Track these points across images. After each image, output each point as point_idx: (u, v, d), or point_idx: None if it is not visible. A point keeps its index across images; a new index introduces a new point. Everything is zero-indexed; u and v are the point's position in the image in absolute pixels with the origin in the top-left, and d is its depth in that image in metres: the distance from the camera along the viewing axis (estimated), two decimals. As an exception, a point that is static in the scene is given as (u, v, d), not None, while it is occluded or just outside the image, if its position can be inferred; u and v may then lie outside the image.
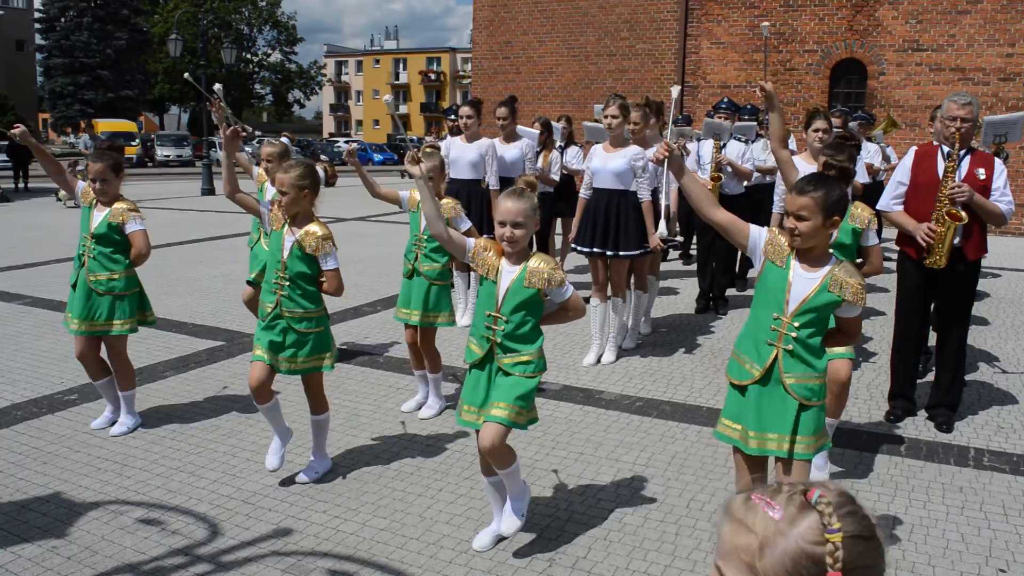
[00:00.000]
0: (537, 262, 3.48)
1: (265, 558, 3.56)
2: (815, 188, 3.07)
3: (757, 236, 3.22)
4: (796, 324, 3.11)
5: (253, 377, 4.18)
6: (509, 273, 3.49)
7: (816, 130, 5.49)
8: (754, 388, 3.20)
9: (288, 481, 4.31)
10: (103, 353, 5.02)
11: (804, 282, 3.11)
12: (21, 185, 22.49)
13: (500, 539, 3.71)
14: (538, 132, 8.70)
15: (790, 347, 3.13)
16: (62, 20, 50.57)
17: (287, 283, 4.17)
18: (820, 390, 3.18)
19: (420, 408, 5.38)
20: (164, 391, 5.69)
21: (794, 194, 3.10)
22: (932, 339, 5.80)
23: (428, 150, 5.57)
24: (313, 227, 4.18)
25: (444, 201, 5.23)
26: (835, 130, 5.93)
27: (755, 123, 9.46)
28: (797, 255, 3.15)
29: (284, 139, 6.05)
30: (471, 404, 3.55)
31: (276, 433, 4.35)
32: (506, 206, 3.43)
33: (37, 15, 54.54)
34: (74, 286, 4.91)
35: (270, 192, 5.95)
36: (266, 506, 4.05)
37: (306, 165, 4.24)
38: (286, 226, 4.21)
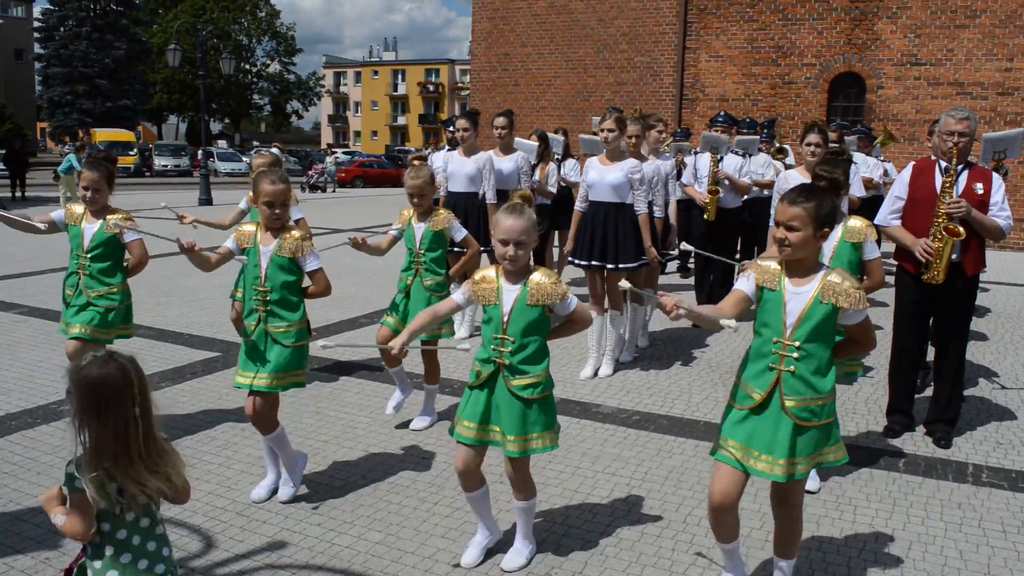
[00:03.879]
0: (539, 277, 3.42)
1: (259, 571, 3.54)
2: (806, 199, 3.02)
3: (747, 282, 3.16)
4: (796, 343, 3.03)
5: (249, 406, 4.08)
6: (510, 292, 3.42)
7: (808, 144, 5.51)
8: (752, 412, 3.11)
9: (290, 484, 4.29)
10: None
11: (798, 298, 3.04)
12: (19, 194, 22.47)
13: (488, 550, 3.69)
14: (535, 145, 8.71)
15: (792, 368, 3.04)
16: (61, 29, 50.68)
17: (269, 296, 4.06)
18: (822, 410, 3.07)
19: (400, 404, 5.33)
20: (159, 401, 5.61)
21: (785, 204, 3.04)
22: (931, 354, 5.79)
23: (416, 162, 5.55)
24: (289, 232, 4.11)
25: (438, 212, 5.23)
26: (831, 144, 5.94)
27: (756, 137, 9.46)
28: (787, 272, 3.09)
29: (275, 150, 6.02)
30: (470, 420, 3.49)
31: (273, 464, 4.28)
32: (508, 224, 3.34)
33: (36, 24, 54.65)
34: (67, 304, 4.85)
35: None
36: (260, 519, 4.02)
37: (283, 173, 4.16)
38: (257, 238, 4.11)
